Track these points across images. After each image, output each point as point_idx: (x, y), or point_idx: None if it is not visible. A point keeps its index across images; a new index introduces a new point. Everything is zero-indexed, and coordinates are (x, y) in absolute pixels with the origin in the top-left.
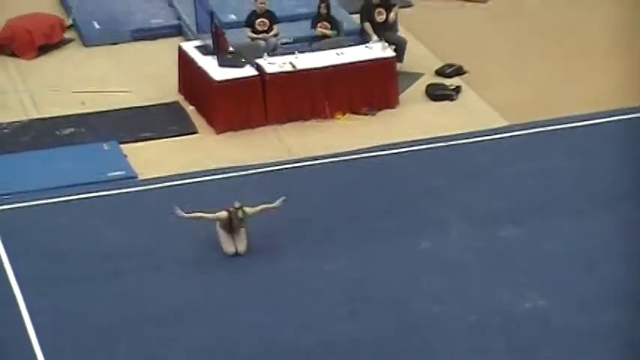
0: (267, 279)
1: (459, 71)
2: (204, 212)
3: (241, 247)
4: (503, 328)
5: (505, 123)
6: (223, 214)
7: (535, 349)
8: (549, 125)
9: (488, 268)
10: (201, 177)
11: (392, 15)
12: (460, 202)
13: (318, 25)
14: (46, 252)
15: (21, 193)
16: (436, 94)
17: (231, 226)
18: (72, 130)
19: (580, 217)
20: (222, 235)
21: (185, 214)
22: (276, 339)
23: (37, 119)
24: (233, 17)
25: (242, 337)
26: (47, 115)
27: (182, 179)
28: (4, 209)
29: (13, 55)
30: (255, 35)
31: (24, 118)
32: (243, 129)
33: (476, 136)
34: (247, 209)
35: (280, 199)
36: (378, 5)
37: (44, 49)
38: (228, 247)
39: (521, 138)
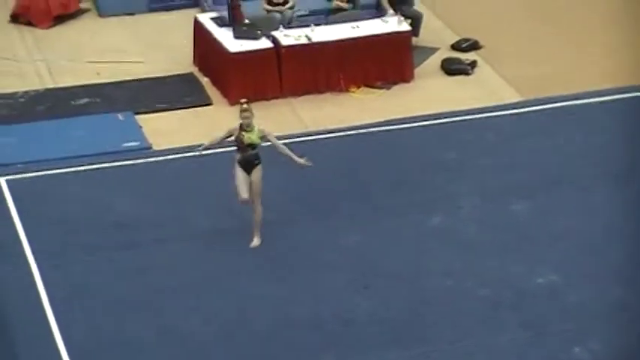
0: (281, 251)
1: (474, 46)
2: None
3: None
4: (514, 302)
5: (520, 98)
6: (234, 127)
7: (546, 324)
8: (563, 101)
9: (499, 242)
10: (214, 148)
11: None
12: (472, 177)
13: None
14: (60, 222)
15: (36, 162)
16: (452, 68)
17: (245, 160)
18: (87, 100)
19: (592, 192)
20: (239, 177)
21: (206, 145)
22: (291, 312)
23: (52, 89)
24: None
25: (257, 310)
26: (63, 85)
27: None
28: (19, 178)
29: (29, 24)
30: (271, 7)
31: (40, 87)
32: (257, 101)
33: (489, 111)
34: (254, 135)
35: (305, 158)
36: None
37: (60, 19)
38: (243, 192)
39: (535, 113)
